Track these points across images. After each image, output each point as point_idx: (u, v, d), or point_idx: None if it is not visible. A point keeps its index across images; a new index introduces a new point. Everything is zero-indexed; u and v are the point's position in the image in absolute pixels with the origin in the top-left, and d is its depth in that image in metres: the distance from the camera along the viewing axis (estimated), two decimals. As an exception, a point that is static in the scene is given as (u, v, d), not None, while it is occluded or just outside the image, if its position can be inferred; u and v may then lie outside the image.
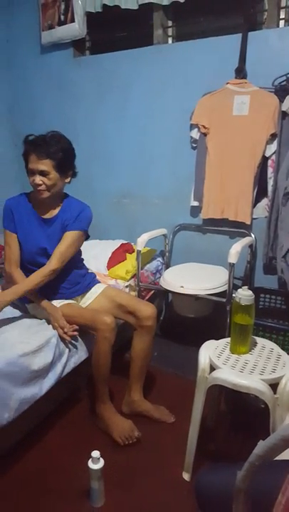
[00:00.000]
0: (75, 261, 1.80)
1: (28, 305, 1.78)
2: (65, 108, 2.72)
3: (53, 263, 1.63)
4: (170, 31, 2.37)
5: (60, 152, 1.59)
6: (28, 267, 1.71)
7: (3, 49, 2.84)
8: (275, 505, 0.56)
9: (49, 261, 1.64)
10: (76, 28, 2.46)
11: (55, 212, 1.71)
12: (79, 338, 1.70)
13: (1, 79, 2.86)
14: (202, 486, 0.89)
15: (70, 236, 1.67)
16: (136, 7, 2.24)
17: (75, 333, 1.65)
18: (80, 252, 1.83)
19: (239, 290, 1.35)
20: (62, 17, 2.51)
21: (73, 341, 1.68)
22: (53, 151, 1.57)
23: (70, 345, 1.67)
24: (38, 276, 1.62)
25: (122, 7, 2.26)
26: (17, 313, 1.80)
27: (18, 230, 1.69)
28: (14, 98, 2.93)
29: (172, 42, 2.38)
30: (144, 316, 1.67)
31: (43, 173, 1.58)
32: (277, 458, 0.74)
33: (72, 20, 2.46)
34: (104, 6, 2.32)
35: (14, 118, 2.96)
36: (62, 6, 2.49)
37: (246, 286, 1.36)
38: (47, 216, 1.71)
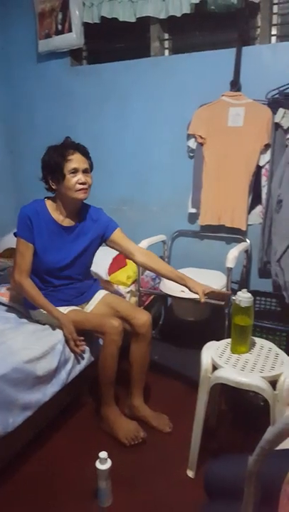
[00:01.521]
0: (88, 271, 1.86)
1: (32, 311, 1.80)
2: (62, 116, 2.77)
3: (146, 250, 1.81)
4: (166, 44, 2.46)
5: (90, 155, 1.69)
6: (44, 277, 1.73)
7: (-2, 56, 2.85)
8: (284, 483, 0.63)
9: (143, 253, 1.77)
10: (73, 38, 2.49)
11: (74, 220, 1.74)
12: (86, 346, 1.74)
13: (-3, 86, 2.88)
14: (212, 475, 0.95)
15: (120, 233, 1.78)
16: (133, 20, 2.31)
17: (84, 347, 1.70)
18: (91, 262, 1.88)
19: (239, 293, 1.42)
20: (59, 26, 2.53)
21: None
22: (88, 153, 1.68)
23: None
24: (164, 263, 1.78)
25: (120, 19, 2.32)
26: (20, 319, 1.83)
27: (37, 241, 1.68)
28: (11, 105, 2.95)
29: (169, 54, 2.47)
30: (138, 324, 1.70)
31: (86, 171, 1.64)
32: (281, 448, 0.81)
33: (70, 30, 2.49)
34: (102, 17, 2.37)
35: (11, 125, 2.98)
36: (60, 16, 2.52)
37: (245, 289, 1.43)
38: (66, 224, 1.72)
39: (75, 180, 1.61)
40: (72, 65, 2.70)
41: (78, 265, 1.77)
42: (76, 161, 1.62)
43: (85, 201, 1.77)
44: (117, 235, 1.78)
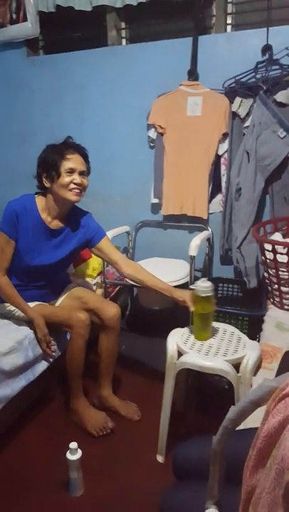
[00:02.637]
0: (65, 274, 1.85)
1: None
2: (20, 108, 2.70)
3: (132, 261, 1.77)
4: (123, 33, 2.43)
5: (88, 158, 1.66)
6: (22, 275, 1.69)
7: None
8: (247, 459, 0.65)
9: (129, 265, 1.72)
10: (29, 27, 2.44)
11: (62, 222, 1.69)
12: (54, 341, 1.73)
13: None
14: (179, 457, 0.97)
15: (107, 242, 1.76)
16: (89, 8, 2.27)
17: (54, 348, 1.70)
18: (70, 264, 1.86)
19: (198, 282, 1.43)
20: (14, 15, 2.47)
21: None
22: (88, 156, 1.65)
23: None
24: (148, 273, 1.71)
25: (76, 8, 2.28)
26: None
27: (21, 240, 1.62)
28: None
29: (126, 43, 2.44)
30: (107, 317, 1.70)
31: (83, 174, 1.61)
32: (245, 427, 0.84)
33: (25, 19, 2.43)
34: (58, 6, 2.32)
35: None
36: (14, 5, 2.45)
37: (205, 278, 1.45)
38: (53, 226, 1.66)
39: (69, 179, 1.57)
40: (29, 55, 2.63)
41: (59, 269, 1.75)
42: (74, 161, 1.58)
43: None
44: (104, 244, 1.74)
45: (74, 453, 1.38)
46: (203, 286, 1.41)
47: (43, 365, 1.70)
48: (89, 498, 1.40)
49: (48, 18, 2.44)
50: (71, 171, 1.57)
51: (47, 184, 1.60)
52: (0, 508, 1.37)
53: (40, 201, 1.65)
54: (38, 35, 2.51)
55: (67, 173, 1.56)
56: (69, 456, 1.37)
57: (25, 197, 1.65)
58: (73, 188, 1.58)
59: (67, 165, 1.56)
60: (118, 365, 1.86)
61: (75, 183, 1.58)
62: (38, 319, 1.65)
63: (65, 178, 1.56)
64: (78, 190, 1.60)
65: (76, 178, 1.58)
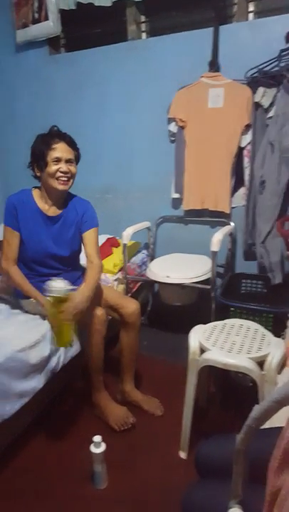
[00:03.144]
0: (76, 262, 1.85)
1: (22, 300, 1.79)
2: (43, 106, 2.74)
3: (96, 260, 1.71)
4: (143, 26, 2.41)
5: (77, 146, 1.68)
6: (31, 265, 1.73)
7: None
8: (271, 459, 0.64)
9: (90, 261, 1.70)
10: (51, 26, 2.48)
11: (59, 209, 1.74)
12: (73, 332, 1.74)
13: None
14: (202, 455, 0.96)
15: (91, 235, 1.75)
16: (109, 4, 2.27)
17: None
18: (79, 253, 1.87)
19: (52, 283, 1.40)
20: (36, 15, 2.53)
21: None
22: (75, 143, 1.67)
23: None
24: (94, 276, 1.66)
25: (96, 4, 2.29)
26: (11, 309, 1.83)
27: (22, 229, 1.68)
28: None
29: (146, 37, 2.42)
30: (127, 313, 1.72)
31: (69, 161, 1.63)
32: (269, 426, 0.82)
33: (46, 18, 2.48)
34: (78, 3, 2.34)
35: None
36: (36, 4, 2.51)
37: (58, 278, 1.44)
38: (51, 214, 1.72)
39: (56, 167, 1.61)
40: (51, 53, 2.66)
41: (64, 255, 1.76)
42: (60, 150, 1.61)
43: (72, 192, 1.76)
44: (87, 235, 1.75)
45: (98, 446, 1.38)
46: (54, 286, 1.39)
47: (66, 358, 1.71)
48: (113, 491, 1.41)
49: (68, 15, 2.46)
50: (57, 160, 1.60)
51: (38, 173, 1.66)
52: (25, 501, 1.39)
53: (36, 192, 1.72)
54: (59, 33, 2.53)
55: (53, 162, 1.60)
56: (93, 449, 1.38)
57: (22, 191, 1.73)
58: (60, 177, 1.62)
59: (53, 154, 1.60)
60: (140, 360, 1.87)
61: (61, 172, 1.61)
62: (48, 305, 1.66)
63: (52, 167, 1.60)
64: (66, 179, 1.63)
65: (62, 166, 1.61)
